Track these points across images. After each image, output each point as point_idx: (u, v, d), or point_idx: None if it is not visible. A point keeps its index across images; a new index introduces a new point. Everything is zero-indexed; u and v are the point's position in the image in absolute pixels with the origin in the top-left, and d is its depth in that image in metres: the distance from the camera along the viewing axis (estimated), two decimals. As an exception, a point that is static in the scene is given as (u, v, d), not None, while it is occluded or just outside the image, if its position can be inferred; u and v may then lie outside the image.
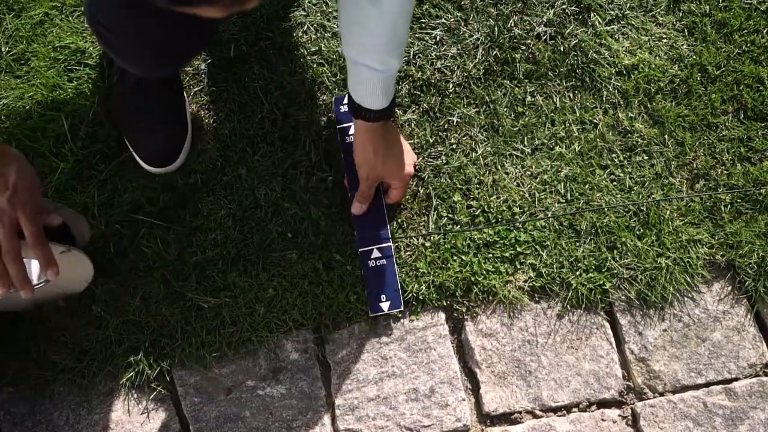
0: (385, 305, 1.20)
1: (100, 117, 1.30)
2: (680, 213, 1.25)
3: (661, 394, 1.20)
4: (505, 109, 1.30)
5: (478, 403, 1.20)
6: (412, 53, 1.33)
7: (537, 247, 1.23)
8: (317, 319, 1.22)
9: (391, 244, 1.22)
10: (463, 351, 1.23)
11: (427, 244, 1.24)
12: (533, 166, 1.28)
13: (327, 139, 1.30)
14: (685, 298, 1.23)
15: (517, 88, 1.31)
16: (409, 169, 1.21)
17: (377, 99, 1.09)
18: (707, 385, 1.20)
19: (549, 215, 1.25)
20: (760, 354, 1.21)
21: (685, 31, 1.35)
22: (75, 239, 1.20)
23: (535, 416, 1.19)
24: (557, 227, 1.25)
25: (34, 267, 1.17)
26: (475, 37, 1.34)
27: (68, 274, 1.18)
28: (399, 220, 1.25)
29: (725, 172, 1.27)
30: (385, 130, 1.16)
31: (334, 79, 1.32)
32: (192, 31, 1.03)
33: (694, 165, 1.28)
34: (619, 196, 1.26)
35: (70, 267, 1.16)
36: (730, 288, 1.23)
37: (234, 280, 1.23)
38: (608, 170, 1.28)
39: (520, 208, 1.25)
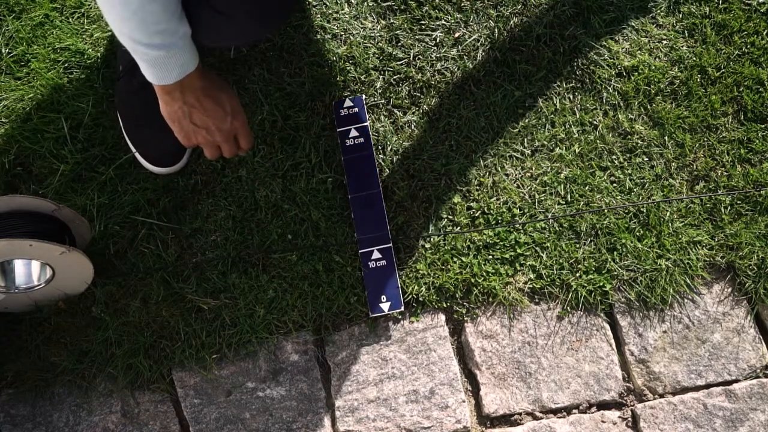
0: (385, 306, 1.20)
1: (100, 119, 1.30)
2: (680, 214, 1.25)
3: (661, 396, 1.20)
4: (505, 111, 1.30)
5: (478, 405, 1.20)
6: (412, 55, 1.33)
7: (537, 248, 1.23)
8: (317, 320, 1.22)
9: (391, 245, 1.23)
10: (463, 352, 1.23)
11: (427, 245, 1.24)
12: (533, 168, 1.28)
13: (327, 141, 1.30)
14: (685, 300, 1.23)
15: (517, 90, 1.31)
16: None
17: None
18: (707, 386, 1.20)
19: (549, 217, 1.25)
20: (760, 355, 1.21)
21: (685, 32, 1.35)
22: (75, 240, 1.21)
23: (535, 418, 1.19)
24: (557, 229, 1.25)
25: (34, 267, 1.18)
26: (474, 38, 1.34)
27: (68, 275, 1.18)
28: (399, 222, 1.25)
29: (725, 173, 1.27)
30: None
31: (334, 81, 1.32)
32: None
33: (694, 166, 1.28)
34: (619, 197, 1.26)
35: (70, 268, 1.17)
36: (730, 289, 1.23)
37: (234, 282, 1.23)
38: (608, 172, 1.28)
39: (520, 210, 1.25)
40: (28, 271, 1.18)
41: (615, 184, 1.27)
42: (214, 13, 0.92)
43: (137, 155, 1.27)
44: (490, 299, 1.22)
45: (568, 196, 1.26)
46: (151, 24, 0.88)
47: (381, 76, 1.32)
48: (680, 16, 1.36)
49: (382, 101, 1.32)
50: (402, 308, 1.21)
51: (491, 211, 1.25)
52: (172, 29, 0.90)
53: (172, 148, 1.25)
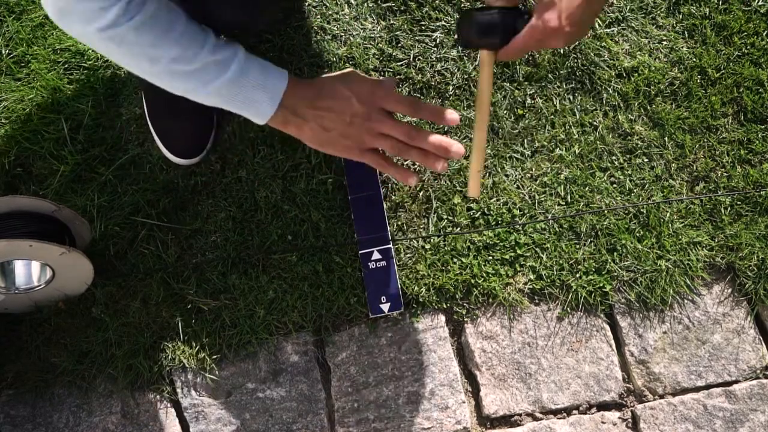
0: (385, 306, 1.20)
1: (100, 119, 1.30)
2: (680, 215, 1.25)
3: (661, 397, 1.20)
4: (505, 112, 1.30)
5: (478, 406, 1.20)
6: (412, 56, 1.33)
7: (537, 249, 1.24)
8: (317, 321, 1.22)
9: (391, 246, 1.23)
10: (463, 353, 1.23)
11: (427, 246, 1.24)
12: (533, 169, 1.28)
13: (327, 142, 1.30)
14: (685, 301, 1.23)
15: (517, 91, 1.31)
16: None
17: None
18: (707, 387, 1.20)
19: (549, 217, 1.25)
20: (760, 356, 1.21)
21: (685, 33, 1.35)
22: (75, 241, 1.21)
23: (535, 419, 1.19)
24: (557, 229, 1.25)
25: (34, 268, 1.18)
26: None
27: (68, 275, 1.18)
28: (399, 223, 1.25)
29: (725, 174, 1.27)
30: None
31: (334, 82, 1.32)
32: None
33: (694, 167, 1.28)
34: (619, 198, 1.26)
35: (70, 269, 1.17)
36: (730, 290, 1.23)
37: (234, 283, 1.23)
38: (608, 172, 1.28)
39: (520, 211, 1.25)
40: (28, 271, 1.18)
41: (615, 185, 1.27)
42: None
43: (159, 144, 1.27)
44: (490, 300, 1.22)
45: (568, 196, 1.26)
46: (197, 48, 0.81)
47: (381, 77, 1.32)
48: (680, 16, 1.36)
49: (382, 102, 1.32)
50: (402, 309, 1.21)
51: (491, 212, 1.25)
52: (226, 53, 0.83)
53: (195, 140, 1.25)
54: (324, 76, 0.91)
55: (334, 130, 0.89)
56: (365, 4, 1.36)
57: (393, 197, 1.26)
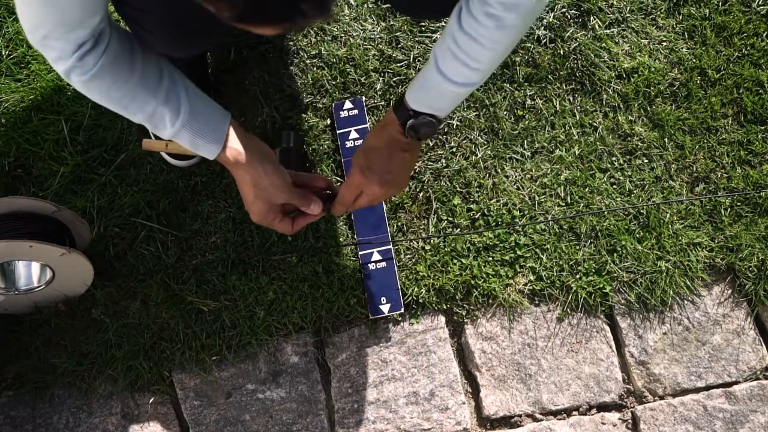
0: (385, 307, 1.20)
1: (100, 120, 1.30)
2: (680, 216, 1.25)
3: (662, 398, 1.20)
4: (505, 113, 1.30)
5: (478, 407, 1.20)
6: (412, 56, 1.33)
7: (537, 250, 1.23)
8: (317, 322, 1.22)
9: (391, 247, 1.22)
10: (463, 354, 1.23)
11: (427, 247, 1.24)
12: (533, 170, 1.28)
13: (327, 143, 1.30)
14: (685, 302, 1.22)
15: (516, 92, 1.31)
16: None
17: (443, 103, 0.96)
18: (707, 388, 1.20)
19: (549, 218, 1.25)
20: (760, 357, 1.21)
21: (685, 34, 1.35)
22: (75, 242, 1.21)
23: (535, 419, 1.19)
24: (557, 230, 1.25)
25: (34, 269, 1.18)
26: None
27: (68, 276, 1.18)
28: (399, 224, 1.25)
29: (725, 175, 1.27)
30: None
31: (333, 83, 1.32)
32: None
33: (694, 168, 1.28)
34: (618, 199, 1.26)
35: (70, 269, 1.17)
36: (730, 291, 1.23)
37: (234, 284, 1.23)
38: (608, 173, 1.28)
39: (520, 212, 1.25)
40: (29, 272, 1.18)
41: (615, 186, 1.27)
42: (143, 31, 0.92)
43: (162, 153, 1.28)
44: (490, 301, 1.22)
45: (568, 197, 1.26)
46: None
47: (381, 78, 1.32)
48: (680, 17, 1.36)
49: (382, 103, 1.32)
50: (402, 310, 1.21)
51: (491, 213, 1.25)
52: (172, 105, 0.91)
53: None
54: (253, 148, 0.97)
55: (244, 198, 0.99)
56: (365, 5, 1.36)
57: (393, 198, 1.26)
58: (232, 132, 0.96)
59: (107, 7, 0.84)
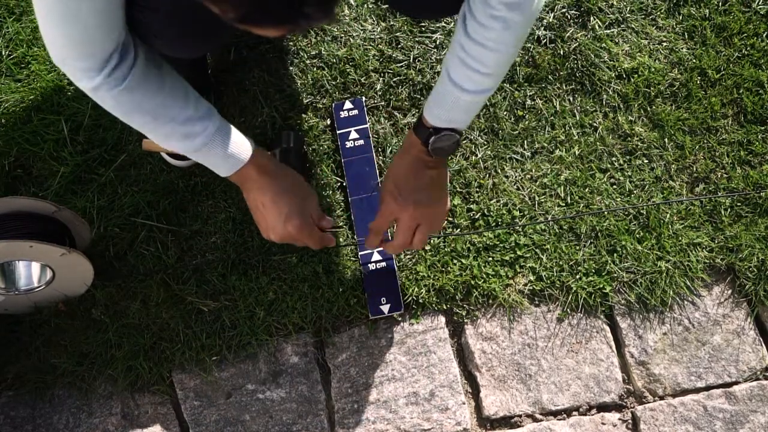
0: (385, 308, 1.20)
1: (100, 120, 1.30)
2: (680, 216, 1.25)
3: (662, 398, 1.20)
4: (505, 113, 1.30)
5: (478, 407, 1.20)
6: (412, 57, 1.33)
7: (537, 250, 1.23)
8: (317, 322, 1.22)
9: (391, 247, 1.23)
10: (463, 354, 1.23)
11: (427, 247, 1.24)
12: (533, 170, 1.28)
13: (327, 143, 1.30)
14: (685, 302, 1.22)
15: (516, 92, 1.31)
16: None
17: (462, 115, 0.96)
18: (707, 388, 1.20)
19: (549, 219, 1.25)
20: (761, 357, 1.21)
21: (685, 34, 1.35)
22: (75, 242, 1.21)
23: (535, 420, 1.19)
24: (557, 231, 1.25)
25: (34, 269, 1.18)
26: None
27: (68, 276, 1.18)
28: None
29: (725, 175, 1.27)
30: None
31: (334, 83, 1.32)
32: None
33: (694, 168, 1.28)
34: (618, 199, 1.26)
35: (70, 270, 1.17)
36: (730, 291, 1.23)
37: (234, 284, 1.23)
38: (608, 174, 1.28)
39: (520, 212, 1.25)
40: (29, 272, 1.18)
41: (615, 186, 1.27)
42: (147, 32, 0.92)
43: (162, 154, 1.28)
44: (490, 301, 1.22)
45: (568, 198, 1.26)
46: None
47: (381, 78, 1.32)
48: (680, 18, 1.36)
49: (382, 103, 1.32)
50: (402, 310, 1.21)
51: (491, 213, 1.25)
52: (197, 127, 0.92)
53: None
54: (286, 183, 1.00)
55: (259, 222, 1.02)
56: (365, 5, 1.37)
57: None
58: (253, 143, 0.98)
59: (124, 19, 0.84)
